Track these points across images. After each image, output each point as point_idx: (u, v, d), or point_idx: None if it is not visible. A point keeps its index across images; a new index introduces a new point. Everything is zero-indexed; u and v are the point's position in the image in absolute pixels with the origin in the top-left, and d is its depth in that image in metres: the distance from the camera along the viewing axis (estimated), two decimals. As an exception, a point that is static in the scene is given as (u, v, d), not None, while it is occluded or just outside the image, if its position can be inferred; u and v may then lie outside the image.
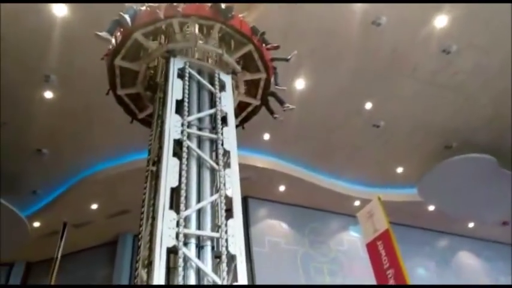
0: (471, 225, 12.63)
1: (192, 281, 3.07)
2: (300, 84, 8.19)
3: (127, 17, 4.31)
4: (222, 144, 3.88)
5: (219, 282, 3.08)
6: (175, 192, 3.47)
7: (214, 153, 3.95)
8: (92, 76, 6.49)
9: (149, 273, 3.08)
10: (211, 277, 3.10)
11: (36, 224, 9.72)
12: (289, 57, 5.04)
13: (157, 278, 2.93)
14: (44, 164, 8.61)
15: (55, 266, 7.77)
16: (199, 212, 3.50)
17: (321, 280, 10.01)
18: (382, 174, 10.58)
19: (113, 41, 4.43)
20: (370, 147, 9.69)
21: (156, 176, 3.71)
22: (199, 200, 3.54)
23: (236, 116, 4.61)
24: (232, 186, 3.68)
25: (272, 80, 5.09)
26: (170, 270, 3.16)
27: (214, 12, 4.47)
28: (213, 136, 3.95)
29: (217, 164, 3.75)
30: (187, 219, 3.35)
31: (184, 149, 3.65)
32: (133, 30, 4.39)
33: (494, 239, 13.07)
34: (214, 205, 3.63)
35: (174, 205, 3.39)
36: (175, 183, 3.43)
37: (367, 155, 9.93)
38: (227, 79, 4.52)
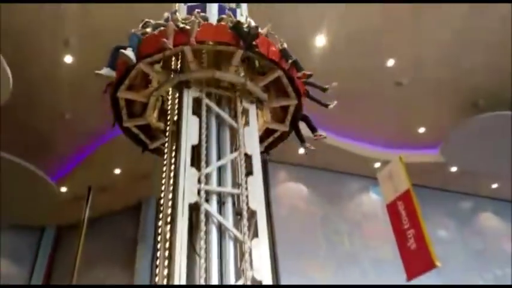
0: (494, 186, 12.43)
1: (214, 236, 3.14)
2: (320, 40, 7.95)
3: (130, 53, 3.66)
4: (241, 102, 3.86)
5: (240, 238, 3.13)
6: (195, 150, 3.50)
7: (233, 112, 3.94)
8: (108, 38, 6.46)
9: (172, 229, 3.15)
10: (233, 232, 3.16)
11: (63, 189, 10.04)
12: (326, 86, 4.51)
13: (180, 233, 2.99)
14: (68, 129, 8.78)
15: (82, 229, 8.07)
16: (220, 170, 3.54)
17: (339, 241, 10.12)
18: (403, 135, 10.38)
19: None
20: (392, 106, 9.46)
21: (176, 135, 3.73)
22: (219, 158, 3.57)
23: (261, 141, 4.13)
24: (252, 144, 3.69)
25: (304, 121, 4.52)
26: (193, 226, 3.23)
27: (234, 36, 3.75)
28: (231, 95, 3.92)
29: (236, 122, 3.75)
30: (208, 177, 3.39)
31: (204, 107, 3.66)
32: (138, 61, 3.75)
33: (518, 199, 12.88)
34: (234, 163, 3.65)
35: (196, 162, 3.43)
36: (195, 141, 3.45)
37: (389, 115, 9.72)
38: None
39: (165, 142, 3.84)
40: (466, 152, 10.04)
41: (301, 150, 4.79)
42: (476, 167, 10.76)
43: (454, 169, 11.37)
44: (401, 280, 7.37)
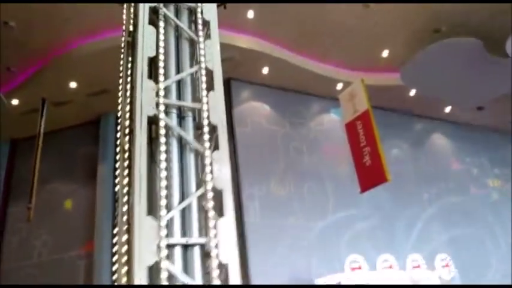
0: (448, 109, 13.08)
1: (175, 148, 3.15)
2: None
3: None
4: (202, 14, 3.67)
5: (201, 150, 3.17)
6: (153, 62, 3.37)
7: (193, 24, 3.76)
8: None
9: (131, 140, 3.13)
10: (193, 145, 3.19)
11: (15, 102, 9.59)
12: None
13: (139, 145, 2.99)
14: (14, 39, 8.14)
15: (38, 142, 7.86)
16: (180, 84, 3.46)
17: (299, 158, 10.56)
18: (367, 57, 10.47)
19: None
20: (358, 28, 9.37)
21: (132, 46, 3.55)
22: (178, 72, 3.47)
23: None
24: (213, 58, 3.57)
25: None
26: (152, 141, 3.22)
27: None
28: (192, 5, 3.70)
29: (197, 35, 3.59)
30: (167, 90, 3.31)
31: (161, 16, 3.45)
32: None
33: (466, 122, 13.70)
34: (194, 78, 3.57)
35: (153, 75, 3.32)
36: (152, 53, 3.31)
37: (354, 37, 9.68)
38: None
39: (123, 43, 3.68)
40: (424, 76, 10.33)
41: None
42: (434, 91, 11.16)
43: (412, 93, 11.75)
44: (355, 193, 7.92)
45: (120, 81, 3.59)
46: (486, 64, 9.70)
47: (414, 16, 9.12)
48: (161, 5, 3.53)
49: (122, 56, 3.67)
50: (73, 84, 9.46)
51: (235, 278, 2.74)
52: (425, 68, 9.89)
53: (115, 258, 2.95)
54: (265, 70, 10.27)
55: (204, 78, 3.47)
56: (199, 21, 3.63)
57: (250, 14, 8.74)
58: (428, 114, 13.16)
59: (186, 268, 2.76)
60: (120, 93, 3.52)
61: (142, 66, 3.19)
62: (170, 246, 2.72)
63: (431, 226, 11.43)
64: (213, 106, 3.38)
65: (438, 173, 12.68)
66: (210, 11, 3.73)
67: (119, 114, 3.49)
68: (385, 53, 10.42)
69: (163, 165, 2.92)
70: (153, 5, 3.52)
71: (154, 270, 2.63)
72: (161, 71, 3.26)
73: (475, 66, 9.82)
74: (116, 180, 3.24)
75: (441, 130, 13.56)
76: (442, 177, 12.67)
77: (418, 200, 11.80)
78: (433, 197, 12.11)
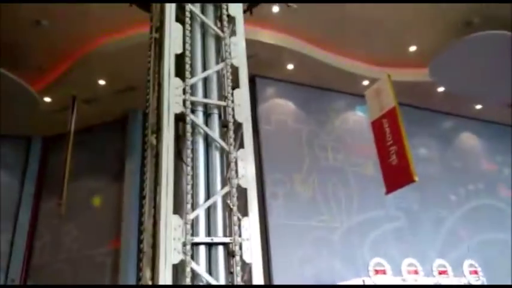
0: (478, 107, 12.62)
1: (201, 145, 3.16)
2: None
3: None
4: (227, 10, 3.65)
5: (227, 148, 3.17)
6: (180, 59, 3.38)
7: (218, 21, 3.75)
8: None
9: (158, 138, 3.15)
10: (219, 142, 3.18)
11: (47, 99, 9.86)
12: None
13: (167, 142, 3.00)
14: (44, 38, 8.35)
15: (69, 139, 8.07)
16: (206, 81, 3.46)
17: (324, 156, 10.43)
18: (394, 52, 10.20)
19: None
20: (384, 22, 9.15)
21: (159, 43, 3.57)
22: (204, 69, 3.47)
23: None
24: (238, 55, 3.57)
25: None
26: (179, 137, 3.23)
27: None
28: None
29: (222, 31, 3.58)
30: (193, 87, 3.32)
31: (187, 13, 3.45)
32: None
33: (498, 120, 13.22)
34: (220, 75, 3.57)
35: (181, 73, 3.33)
36: (179, 50, 3.32)
37: (380, 32, 9.46)
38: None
39: (151, 40, 3.72)
40: (453, 72, 9.99)
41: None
42: (463, 88, 10.81)
43: (441, 89, 11.42)
44: (381, 193, 7.74)
45: (148, 78, 3.62)
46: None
47: (444, 8, 8.80)
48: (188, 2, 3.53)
49: (149, 53, 3.70)
50: (101, 82, 9.65)
51: (258, 278, 2.73)
52: (454, 63, 9.56)
53: (141, 255, 2.98)
54: (290, 66, 10.18)
55: (229, 76, 3.46)
56: (225, 17, 3.62)
57: (275, 9, 8.67)
58: (458, 112, 12.73)
59: (210, 267, 2.77)
60: (148, 90, 3.55)
61: (169, 64, 3.21)
62: (195, 245, 2.72)
63: (459, 229, 11.09)
64: (239, 104, 3.37)
65: (467, 173, 12.27)
66: (235, 8, 3.72)
67: (147, 111, 3.52)
68: (412, 48, 10.14)
69: (189, 163, 2.92)
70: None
71: (179, 268, 2.64)
72: (188, 68, 3.27)
73: (507, 61, 9.43)
74: (144, 178, 3.27)
75: (471, 128, 13.10)
76: (471, 177, 12.25)
77: (446, 202, 11.43)
78: (462, 199, 11.74)
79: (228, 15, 3.66)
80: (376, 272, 8.74)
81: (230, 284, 2.72)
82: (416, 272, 8.94)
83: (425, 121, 12.14)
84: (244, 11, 4.02)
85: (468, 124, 13.03)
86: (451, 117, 12.82)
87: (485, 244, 11.06)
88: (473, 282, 9.02)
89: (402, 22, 9.18)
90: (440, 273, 9.14)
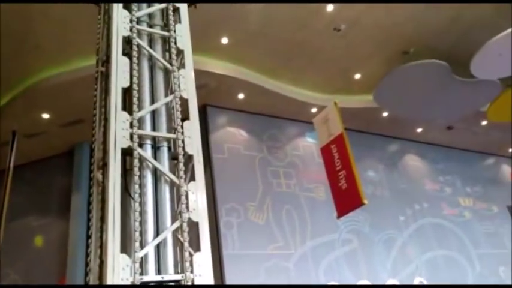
0: (419, 130, 13.43)
1: (149, 180, 3.09)
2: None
3: None
4: (175, 43, 3.68)
5: (177, 181, 3.12)
6: (127, 93, 3.33)
7: (167, 53, 3.76)
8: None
9: (104, 173, 3.05)
10: (169, 176, 3.13)
11: (-16, 134, 9.27)
12: None
13: (113, 179, 2.91)
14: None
15: (8, 175, 7.57)
16: (154, 114, 3.42)
17: (276, 182, 10.54)
18: (340, 80, 10.69)
19: None
20: (330, 52, 9.61)
21: (106, 77, 3.51)
22: (153, 102, 3.44)
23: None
24: (188, 88, 3.56)
25: None
26: (127, 172, 3.15)
27: None
28: (165, 34, 3.71)
29: (171, 64, 3.59)
30: (141, 121, 3.27)
31: (135, 47, 3.44)
32: None
33: (438, 142, 14.10)
34: (169, 107, 3.54)
35: (127, 106, 3.28)
36: (126, 84, 3.27)
37: (326, 61, 9.91)
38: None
39: (97, 74, 3.64)
40: (395, 98, 10.63)
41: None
42: (404, 112, 11.48)
43: (385, 114, 12.04)
44: (333, 217, 7.90)
45: (94, 112, 3.53)
46: (454, 85, 10.08)
47: (384, 38, 9.40)
48: (135, 34, 3.52)
49: (95, 86, 3.62)
50: (45, 116, 9.25)
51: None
52: (395, 89, 10.20)
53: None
54: (240, 95, 10.34)
55: (179, 108, 3.45)
56: (173, 50, 3.64)
57: (224, 40, 8.85)
58: (402, 135, 13.47)
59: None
60: (93, 125, 3.45)
61: (115, 98, 3.14)
62: (145, 285, 2.62)
63: (408, 248, 11.51)
64: (189, 136, 3.35)
65: (413, 194, 12.89)
66: (184, 40, 3.75)
67: (93, 146, 3.41)
68: (357, 76, 10.68)
69: (137, 198, 2.84)
70: (126, 34, 3.50)
71: (129, 309, 2.52)
72: (135, 101, 3.22)
73: (442, 87, 10.18)
74: (90, 215, 3.14)
75: (414, 150, 13.88)
76: (416, 197, 12.87)
77: (395, 222, 11.89)
78: (409, 219, 12.25)
79: (177, 48, 3.68)
80: (332, 296, 8.82)
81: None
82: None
83: (373, 145, 12.70)
84: (189, 5, 3.99)
85: (412, 146, 13.81)
86: (396, 140, 13.52)
87: (432, 261, 11.53)
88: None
89: (347, 51, 9.68)
90: (393, 293, 9.38)
